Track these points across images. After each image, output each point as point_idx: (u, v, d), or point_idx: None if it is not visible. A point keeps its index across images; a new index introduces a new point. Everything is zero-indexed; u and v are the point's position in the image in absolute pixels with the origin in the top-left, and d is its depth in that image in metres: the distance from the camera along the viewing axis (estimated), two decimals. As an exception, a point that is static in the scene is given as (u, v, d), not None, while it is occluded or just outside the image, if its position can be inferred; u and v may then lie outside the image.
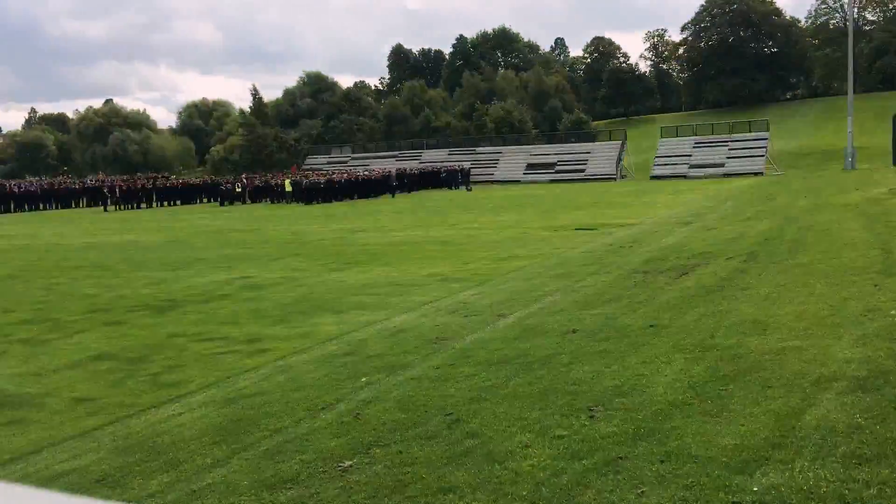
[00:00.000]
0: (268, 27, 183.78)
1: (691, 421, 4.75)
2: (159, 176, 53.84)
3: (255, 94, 75.73)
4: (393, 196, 43.32)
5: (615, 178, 51.53)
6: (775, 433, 4.40)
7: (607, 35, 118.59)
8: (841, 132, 50.76)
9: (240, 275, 13.96)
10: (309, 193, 41.22)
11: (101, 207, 42.52)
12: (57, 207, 45.10)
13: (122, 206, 41.90)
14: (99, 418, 6.09)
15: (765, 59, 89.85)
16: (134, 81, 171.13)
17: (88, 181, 51.59)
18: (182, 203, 45.37)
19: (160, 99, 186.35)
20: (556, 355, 6.74)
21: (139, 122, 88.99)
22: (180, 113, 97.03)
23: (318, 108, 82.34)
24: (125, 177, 55.61)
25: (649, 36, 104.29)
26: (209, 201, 45.99)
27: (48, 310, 11.19)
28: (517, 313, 9.00)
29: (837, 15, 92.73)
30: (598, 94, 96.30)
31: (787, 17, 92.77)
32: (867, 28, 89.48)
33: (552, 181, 51.02)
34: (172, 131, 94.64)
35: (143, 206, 43.00)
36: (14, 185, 48.16)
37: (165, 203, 44.83)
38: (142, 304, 11.33)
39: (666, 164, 51.48)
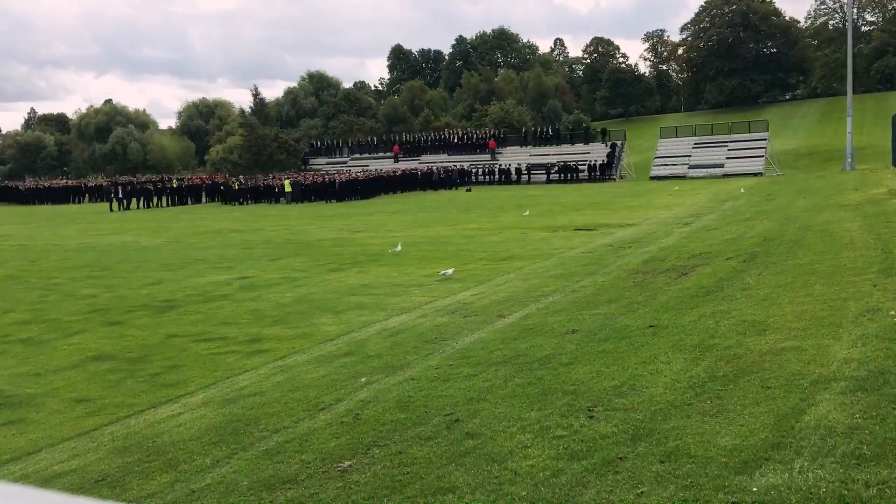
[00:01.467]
0: (147, 32, 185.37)
1: (691, 421, 4.74)
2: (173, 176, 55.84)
3: (256, 93, 75.71)
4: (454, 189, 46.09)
5: (615, 179, 51.55)
6: (775, 433, 4.39)
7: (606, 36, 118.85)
8: (840, 133, 50.79)
9: (239, 275, 13.96)
10: (311, 193, 41.28)
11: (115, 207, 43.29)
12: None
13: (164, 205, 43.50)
14: (98, 418, 6.09)
15: (764, 60, 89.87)
16: (46, 85, 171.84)
17: (119, 180, 53.66)
18: (191, 202, 46.32)
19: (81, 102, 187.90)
20: (555, 355, 6.74)
21: (140, 122, 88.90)
22: (180, 113, 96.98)
23: (318, 109, 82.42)
24: (146, 176, 57.83)
25: (649, 37, 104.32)
26: (214, 201, 46.51)
27: (47, 310, 11.19)
28: (516, 313, 9.00)
29: (837, 15, 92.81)
30: (598, 94, 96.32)
31: (787, 18, 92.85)
32: (866, 28, 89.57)
33: (551, 181, 50.97)
34: (172, 131, 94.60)
35: (158, 204, 44.15)
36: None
37: (183, 202, 46.18)
38: (141, 304, 11.33)
39: (665, 165, 51.47)
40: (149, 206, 43.36)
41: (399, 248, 16.31)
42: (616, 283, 10.53)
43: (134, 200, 42.98)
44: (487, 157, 56.57)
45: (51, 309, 11.27)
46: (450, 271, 12.58)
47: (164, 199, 44.61)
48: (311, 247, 18.60)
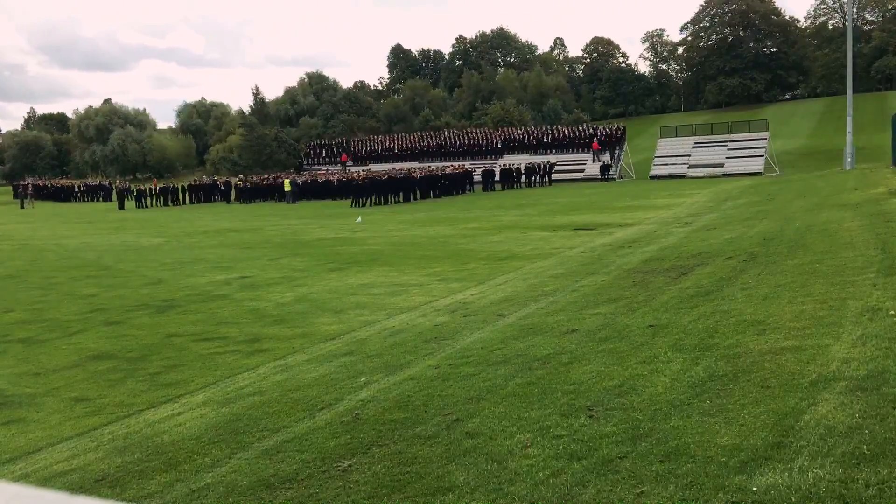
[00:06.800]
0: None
1: (690, 421, 4.74)
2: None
3: (256, 93, 75.73)
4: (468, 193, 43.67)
5: (614, 179, 51.54)
6: (775, 433, 4.39)
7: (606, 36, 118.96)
8: (840, 132, 50.77)
9: (239, 275, 13.96)
10: (310, 193, 41.28)
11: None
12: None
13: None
14: (98, 418, 6.09)
15: (764, 59, 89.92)
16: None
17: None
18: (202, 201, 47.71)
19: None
20: (555, 355, 6.74)
21: (138, 122, 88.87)
22: (179, 113, 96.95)
23: (318, 108, 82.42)
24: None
25: (648, 36, 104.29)
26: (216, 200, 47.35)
27: (47, 309, 11.19)
28: (516, 313, 9.00)
29: (837, 15, 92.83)
30: (598, 93, 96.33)
31: (787, 17, 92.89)
32: (866, 28, 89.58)
33: (554, 182, 50.88)
34: (172, 131, 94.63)
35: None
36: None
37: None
38: (141, 304, 11.32)
39: (665, 165, 51.46)
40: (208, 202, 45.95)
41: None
42: (616, 283, 10.53)
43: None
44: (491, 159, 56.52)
45: (50, 308, 11.26)
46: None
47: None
48: (311, 246, 18.60)
